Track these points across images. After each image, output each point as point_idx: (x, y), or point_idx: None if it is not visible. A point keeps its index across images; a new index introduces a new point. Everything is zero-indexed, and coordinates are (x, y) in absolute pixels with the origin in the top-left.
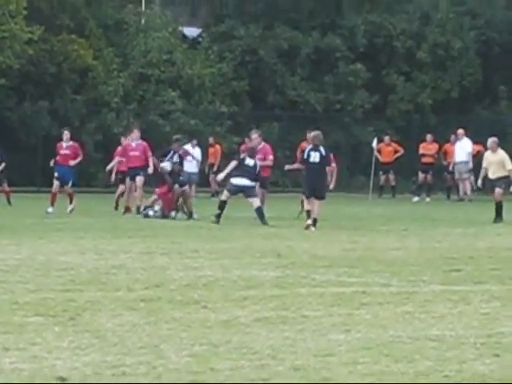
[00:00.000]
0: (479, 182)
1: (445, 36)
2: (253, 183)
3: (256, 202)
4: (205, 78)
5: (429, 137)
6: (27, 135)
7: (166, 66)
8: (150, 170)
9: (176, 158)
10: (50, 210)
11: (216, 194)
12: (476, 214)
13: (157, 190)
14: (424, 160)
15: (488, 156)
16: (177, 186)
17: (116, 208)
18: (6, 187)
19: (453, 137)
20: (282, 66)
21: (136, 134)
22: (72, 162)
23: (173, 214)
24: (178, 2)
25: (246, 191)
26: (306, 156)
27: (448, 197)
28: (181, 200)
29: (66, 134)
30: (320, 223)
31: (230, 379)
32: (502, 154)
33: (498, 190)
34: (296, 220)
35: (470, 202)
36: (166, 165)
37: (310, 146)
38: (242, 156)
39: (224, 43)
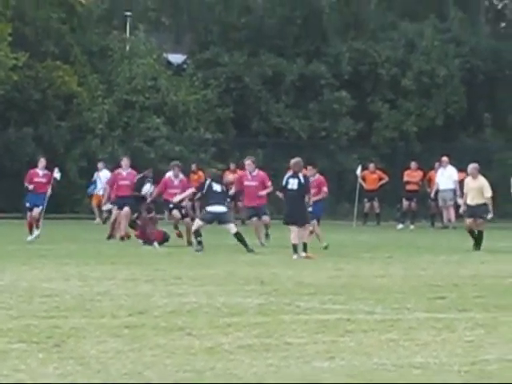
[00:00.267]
0: (461, 209)
1: (430, 64)
2: (227, 209)
3: (232, 228)
4: (189, 105)
5: (413, 164)
6: (11, 161)
7: (151, 92)
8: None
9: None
10: (35, 233)
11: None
12: (460, 241)
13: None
14: (408, 187)
15: (468, 182)
16: (145, 213)
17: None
18: None
19: (437, 164)
20: (267, 93)
21: (126, 162)
22: (49, 191)
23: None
24: (162, 29)
25: (222, 218)
26: (284, 183)
27: (432, 224)
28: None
29: (42, 162)
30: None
31: None
32: (482, 180)
33: (479, 222)
34: (280, 248)
35: (455, 229)
36: (148, 188)
37: (289, 173)
38: (207, 182)
39: (208, 70)
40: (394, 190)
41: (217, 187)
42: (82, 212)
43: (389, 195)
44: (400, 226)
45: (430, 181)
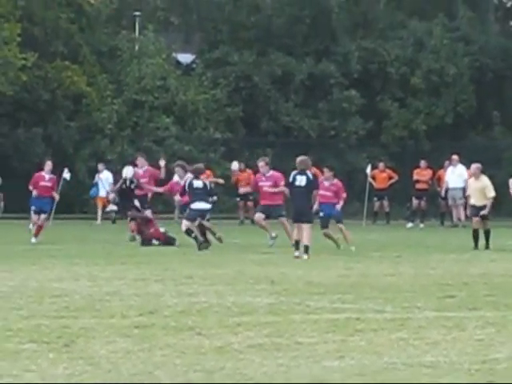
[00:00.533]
0: (468, 212)
1: (439, 62)
2: (210, 206)
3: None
4: (199, 104)
5: (423, 163)
6: (21, 162)
7: (160, 92)
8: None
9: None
10: (33, 240)
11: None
12: (470, 240)
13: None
14: (418, 186)
15: (471, 183)
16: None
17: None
18: None
19: (447, 163)
20: (276, 92)
21: (141, 161)
22: (55, 195)
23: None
24: (171, 29)
25: (205, 214)
26: (291, 180)
27: (442, 223)
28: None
29: (49, 165)
30: (315, 249)
31: None
32: (484, 180)
33: (485, 221)
34: (289, 247)
35: (464, 227)
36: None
37: (296, 171)
38: (188, 180)
39: (218, 69)
40: (404, 188)
41: (198, 183)
42: (91, 212)
43: (398, 194)
44: (409, 224)
45: (440, 179)
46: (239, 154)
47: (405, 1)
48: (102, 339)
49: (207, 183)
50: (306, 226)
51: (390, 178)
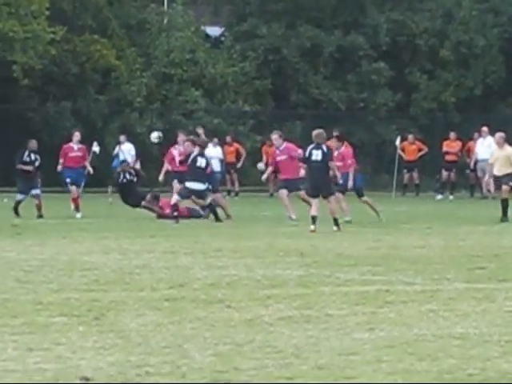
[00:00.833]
0: (486, 177)
1: (468, 34)
2: (206, 186)
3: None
4: (227, 77)
5: (452, 135)
6: (50, 136)
7: (189, 65)
8: None
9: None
10: (78, 215)
11: (236, 193)
12: (499, 211)
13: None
14: (447, 158)
15: (494, 152)
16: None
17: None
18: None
19: (476, 134)
20: (305, 65)
21: (181, 137)
22: (89, 168)
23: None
24: (200, 1)
25: (198, 194)
26: (307, 154)
27: (471, 195)
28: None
29: (77, 136)
30: (343, 222)
31: (253, 378)
32: (508, 149)
33: (504, 188)
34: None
35: (494, 199)
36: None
37: (312, 145)
38: (194, 153)
39: (246, 42)
40: (433, 160)
41: (201, 162)
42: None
43: (428, 166)
44: (439, 196)
45: (469, 151)
46: (268, 127)
47: None
48: (131, 312)
49: (210, 164)
50: (329, 200)
51: (420, 149)
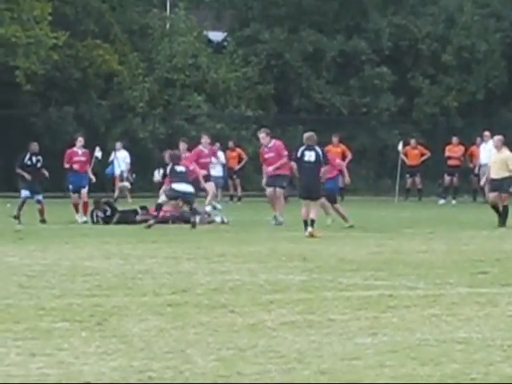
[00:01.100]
0: (482, 181)
1: (470, 38)
2: (193, 189)
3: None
4: (230, 82)
5: (455, 139)
6: (53, 141)
7: (191, 70)
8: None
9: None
10: (81, 219)
11: (239, 198)
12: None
13: None
14: (450, 163)
15: (492, 155)
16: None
17: None
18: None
19: (479, 139)
20: (308, 70)
21: (206, 139)
22: (91, 176)
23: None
24: (202, 7)
25: (186, 198)
26: (299, 155)
27: (474, 199)
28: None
29: (81, 141)
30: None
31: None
32: (506, 152)
33: (504, 195)
34: (321, 225)
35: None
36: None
37: (303, 147)
38: (169, 165)
39: (249, 47)
40: (436, 165)
41: (180, 168)
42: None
43: (430, 170)
44: (442, 201)
45: (472, 156)
46: (271, 132)
47: None
48: (134, 317)
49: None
50: (314, 203)
51: (422, 154)
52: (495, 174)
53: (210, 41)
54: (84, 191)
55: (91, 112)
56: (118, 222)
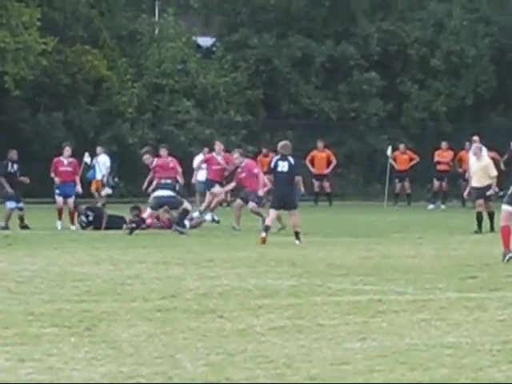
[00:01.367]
0: (465, 193)
1: (459, 43)
2: (174, 193)
3: (187, 205)
4: (219, 88)
5: (444, 144)
6: (41, 146)
7: (180, 75)
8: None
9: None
10: (73, 228)
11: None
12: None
13: None
14: (439, 167)
15: (472, 163)
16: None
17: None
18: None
19: (467, 144)
20: (296, 75)
21: (219, 146)
22: (77, 180)
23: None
24: (191, 12)
25: (170, 203)
26: (273, 165)
27: (463, 204)
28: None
29: (68, 150)
30: (336, 231)
31: None
32: (486, 160)
33: (489, 203)
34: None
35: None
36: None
37: (277, 156)
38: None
39: (238, 52)
40: (425, 170)
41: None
42: (112, 196)
43: (419, 175)
44: (431, 206)
45: (461, 161)
46: (260, 137)
47: None
48: (123, 323)
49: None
50: (292, 213)
51: (411, 159)
52: (477, 182)
53: (198, 46)
54: (70, 200)
55: (80, 118)
56: (107, 228)
